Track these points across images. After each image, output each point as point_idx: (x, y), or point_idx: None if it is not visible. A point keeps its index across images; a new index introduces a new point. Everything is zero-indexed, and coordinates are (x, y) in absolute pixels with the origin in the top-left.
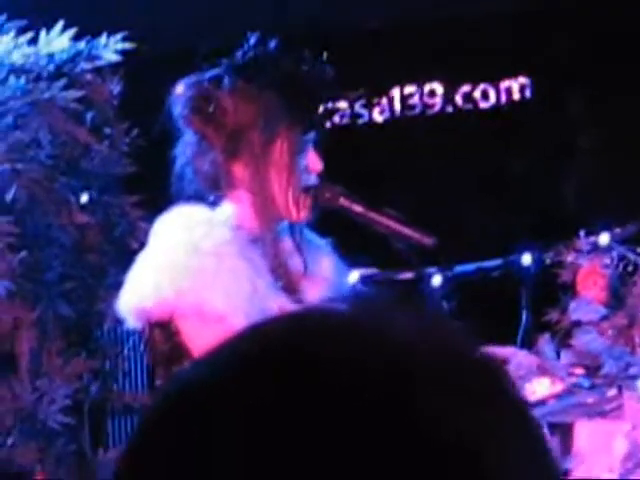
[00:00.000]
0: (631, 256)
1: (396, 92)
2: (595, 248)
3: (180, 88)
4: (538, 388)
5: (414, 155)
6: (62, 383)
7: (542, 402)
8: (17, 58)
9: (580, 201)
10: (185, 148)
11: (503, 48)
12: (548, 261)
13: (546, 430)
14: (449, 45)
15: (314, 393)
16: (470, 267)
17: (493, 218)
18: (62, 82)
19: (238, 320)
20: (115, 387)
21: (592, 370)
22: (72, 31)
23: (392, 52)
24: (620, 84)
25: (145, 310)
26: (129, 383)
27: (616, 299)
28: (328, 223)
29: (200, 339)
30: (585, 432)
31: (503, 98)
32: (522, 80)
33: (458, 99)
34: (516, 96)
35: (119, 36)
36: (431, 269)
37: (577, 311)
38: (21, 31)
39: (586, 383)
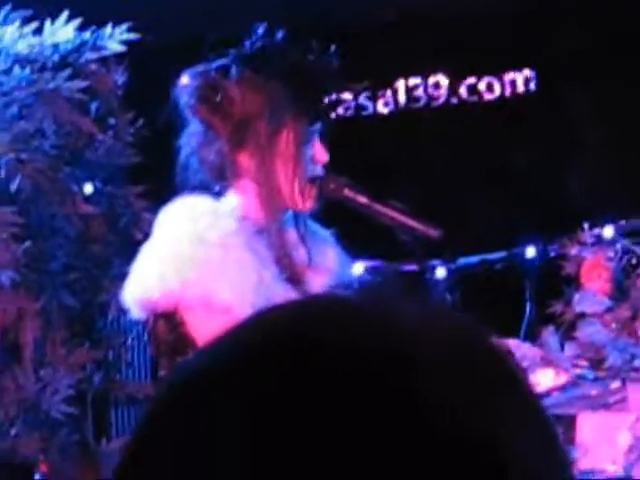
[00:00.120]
0: (635, 249)
1: (401, 84)
2: (599, 241)
3: (186, 78)
4: (542, 380)
5: (418, 147)
6: (66, 373)
7: (546, 394)
8: (22, 48)
9: (584, 194)
10: (190, 138)
11: (508, 41)
12: (552, 253)
13: None
14: (454, 38)
15: (317, 380)
16: (474, 259)
17: (498, 210)
18: (67, 72)
19: (244, 311)
20: (118, 377)
21: (596, 362)
22: (77, 21)
23: (397, 44)
24: (625, 77)
25: (150, 301)
26: (132, 373)
27: (620, 291)
28: (332, 214)
29: (206, 330)
30: (589, 424)
31: (508, 91)
32: (527, 73)
33: (463, 91)
34: (521, 89)
35: (124, 26)
36: (435, 261)
37: (581, 303)
38: (26, 21)
39: (590, 375)
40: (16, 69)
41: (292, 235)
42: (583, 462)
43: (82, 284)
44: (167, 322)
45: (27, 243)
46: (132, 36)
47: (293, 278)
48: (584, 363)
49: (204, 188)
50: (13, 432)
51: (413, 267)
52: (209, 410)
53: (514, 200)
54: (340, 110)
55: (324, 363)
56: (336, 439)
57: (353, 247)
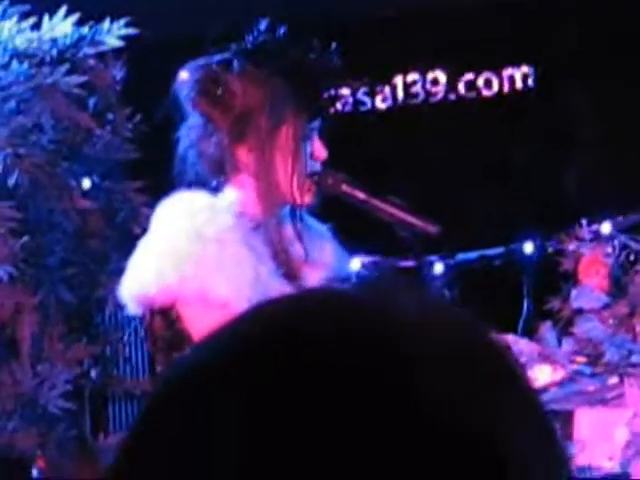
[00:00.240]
0: (633, 245)
1: (399, 80)
2: (597, 237)
3: (186, 72)
4: (539, 375)
5: (417, 143)
6: (63, 368)
7: (543, 389)
8: (20, 43)
9: (582, 190)
10: (189, 131)
11: (506, 37)
12: (550, 249)
13: None
14: (452, 34)
15: (313, 374)
16: (472, 255)
17: (496, 206)
18: (65, 67)
19: (241, 306)
20: (116, 373)
21: (593, 358)
22: (75, 16)
23: (395, 40)
24: (623, 74)
25: (147, 296)
26: (130, 369)
27: (618, 288)
28: (330, 210)
29: (203, 325)
30: (586, 420)
31: (506, 87)
32: (525, 69)
33: (461, 87)
34: (519, 85)
35: (122, 21)
36: (433, 257)
37: (579, 299)
38: (24, 16)
39: (587, 371)
40: (14, 64)
41: (289, 231)
42: (580, 458)
43: (80, 279)
44: (164, 318)
45: (25, 238)
46: (130, 31)
47: (290, 274)
48: (581, 359)
49: (201, 183)
50: (10, 427)
51: (411, 263)
52: (205, 405)
53: (512, 196)
54: (338, 106)
55: (320, 357)
56: (332, 434)
57: (351, 243)
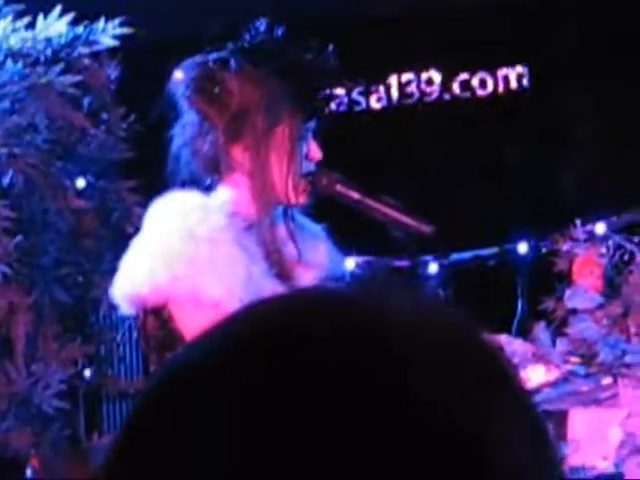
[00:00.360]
0: (627, 245)
1: (393, 80)
2: (591, 237)
3: (181, 71)
4: (533, 376)
5: (411, 143)
6: (57, 368)
7: (537, 390)
8: (14, 42)
9: (577, 190)
10: (184, 129)
11: (501, 37)
12: (544, 250)
13: None
14: (447, 33)
15: (305, 374)
16: (466, 255)
17: (490, 206)
18: (59, 67)
19: (233, 306)
20: (110, 372)
21: (587, 358)
22: (70, 16)
23: (390, 40)
24: (623, 74)
25: (140, 296)
26: (124, 369)
27: (612, 288)
28: (324, 209)
29: (195, 325)
30: (580, 420)
31: (500, 87)
32: (519, 69)
33: (456, 87)
34: (513, 85)
35: (117, 21)
36: (427, 257)
37: (573, 299)
38: (19, 15)
39: (581, 371)
40: (8, 63)
41: (282, 231)
42: (574, 458)
43: (74, 279)
44: (156, 318)
45: (19, 237)
46: (125, 31)
47: (282, 274)
48: (575, 359)
49: (194, 182)
50: (4, 426)
51: (405, 263)
52: (197, 405)
53: (506, 196)
54: (333, 105)
55: (312, 357)
56: (324, 434)
57: (345, 243)
